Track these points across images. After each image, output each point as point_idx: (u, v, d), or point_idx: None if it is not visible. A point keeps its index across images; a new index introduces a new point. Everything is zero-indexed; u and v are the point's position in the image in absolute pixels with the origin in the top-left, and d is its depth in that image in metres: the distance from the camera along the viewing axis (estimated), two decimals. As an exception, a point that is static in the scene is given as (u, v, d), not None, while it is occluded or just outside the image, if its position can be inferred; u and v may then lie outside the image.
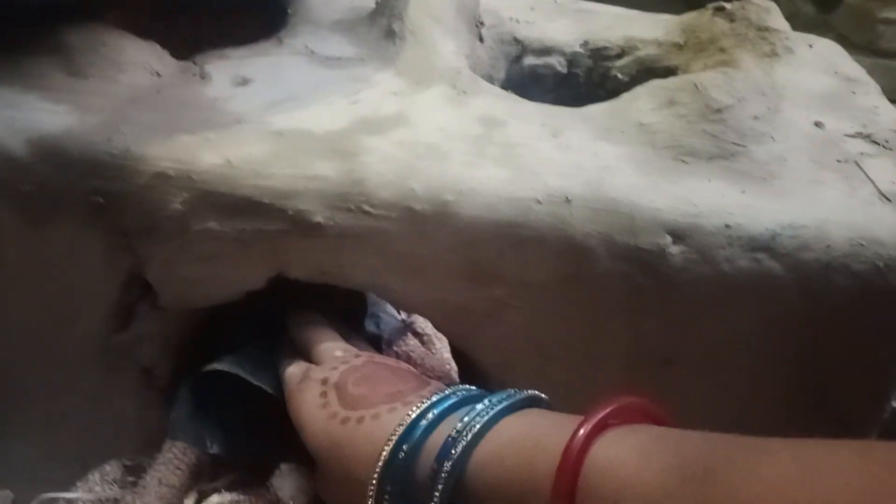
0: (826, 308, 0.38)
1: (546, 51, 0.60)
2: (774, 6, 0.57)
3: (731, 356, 0.39)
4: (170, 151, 0.38)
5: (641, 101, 0.41)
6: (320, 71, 0.45)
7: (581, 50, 0.60)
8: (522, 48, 0.59)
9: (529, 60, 0.60)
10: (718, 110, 0.40)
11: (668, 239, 0.37)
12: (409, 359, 0.48)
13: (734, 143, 0.40)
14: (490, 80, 0.58)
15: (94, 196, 0.38)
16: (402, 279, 0.39)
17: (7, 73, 0.40)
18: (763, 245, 0.37)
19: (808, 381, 0.39)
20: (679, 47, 0.59)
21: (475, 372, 0.42)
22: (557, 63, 0.60)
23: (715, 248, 0.37)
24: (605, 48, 0.60)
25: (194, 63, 0.45)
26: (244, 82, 0.43)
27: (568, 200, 0.37)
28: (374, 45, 0.48)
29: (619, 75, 0.61)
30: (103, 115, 0.39)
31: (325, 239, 0.38)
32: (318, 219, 0.37)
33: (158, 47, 0.44)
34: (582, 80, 0.61)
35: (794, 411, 0.40)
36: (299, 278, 0.39)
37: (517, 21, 0.59)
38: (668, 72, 0.59)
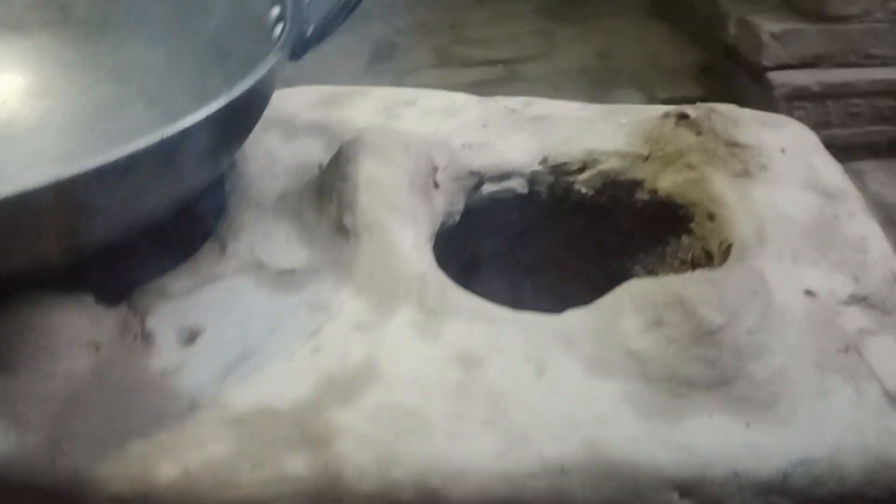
0: (843, 540, 0.36)
1: (505, 176, 0.56)
2: (742, 113, 0.54)
3: None
4: (122, 468, 0.34)
5: (627, 320, 0.38)
6: (274, 300, 0.41)
7: (541, 168, 0.56)
8: (480, 178, 0.55)
9: (489, 188, 0.56)
10: (711, 332, 0.37)
11: (675, 495, 0.35)
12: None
13: (731, 366, 0.37)
14: (449, 216, 0.54)
15: (45, 524, 0.34)
16: (395, 562, 0.36)
17: (-77, 383, 0.36)
18: (775, 488, 0.35)
19: None
20: (644, 159, 0.56)
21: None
22: (518, 185, 0.57)
23: (725, 498, 0.35)
24: (566, 164, 0.57)
25: (132, 311, 0.40)
26: (192, 337, 0.39)
27: (565, 471, 0.34)
28: (326, 242, 0.44)
29: (583, 189, 0.58)
30: (43, 430, 0.35)
31: (307, 536, 0.35)
32: (297, 521, 0.34)
33: (91, 301, 0.39)
34: (544, 197, 0.58)
35: None
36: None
37: (470, 147, 0.55)
38: (635, 184, 0.56)
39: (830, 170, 0.53)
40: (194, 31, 0.51)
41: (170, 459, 0.34)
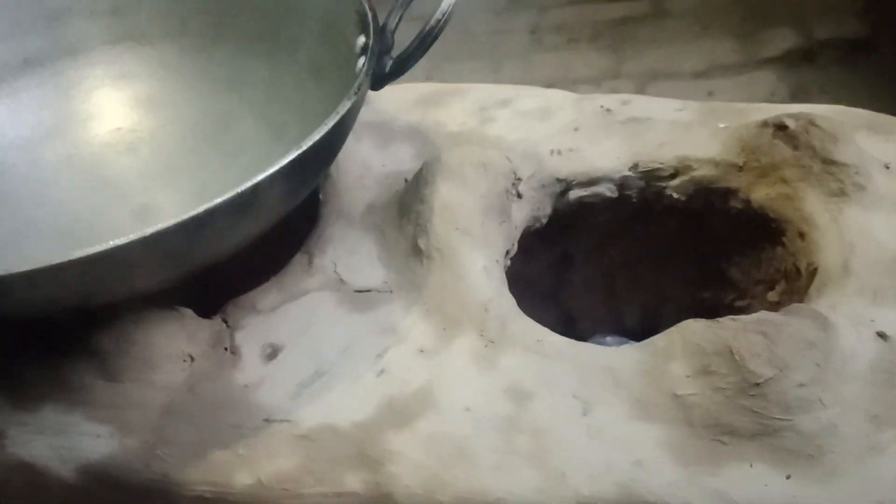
0: None
1: (593, 181, 0.56)
2: (842, 129, 0.51)
3: None
4: (205, 474, 0.39)
5: (676, 364, 0.39)
6: (349, 319, 0.45)
7: (631, 173, 0.56)
8: (567, 184, 0.56)
9: (576, 193, 0.57)
10: (758, 384, 0.37)
11: (708, 539, 0.36)
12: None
13: (778, 419, 0.37)
14: (535, 220, 0.56)
15: (144, 515, 0.40)
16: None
17: (50, 385, 0.42)
18: (810, 539, 0.36)
19: None
20: (738, 168, 0.54)
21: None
22: (607, 190, 0.57)
23: (758, 547, 0.36)
24: (658, 169, 0.56)
25: (225, 323, 0.45)
26: (273, 354, 0.43)
27: (599, 510, 0.36)
28: (402, 262, 0.47)
29: (675, 194, 0.57)
30: (142, 435, 0.40)
31: (363, 545, 0.39)
32: (353, 532, 0.38)
33: (189, 315, 0.44)
34: (635, 200, 0.58)
35: None
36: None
37: (559, 153, 0.56)
38: (728, 193, 0.55)
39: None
40: (294, 48, 0.55)
41: (246, 469, 0.39)
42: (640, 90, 1.51)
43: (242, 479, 0.39)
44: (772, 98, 1.44)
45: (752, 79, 1.48)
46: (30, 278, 0.35)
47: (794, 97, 1.45)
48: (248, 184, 0.37)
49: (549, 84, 1.53)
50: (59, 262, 0.35)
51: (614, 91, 1.51)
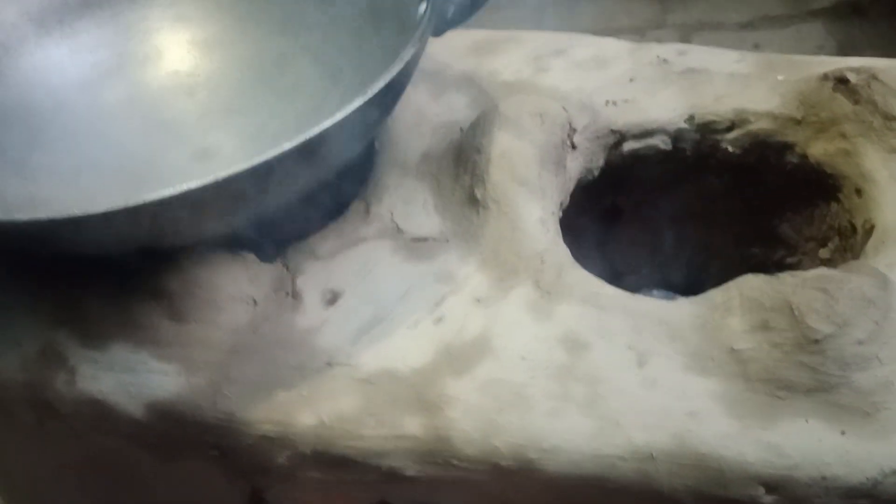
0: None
1: (647, 133, 0.56)
2: (908, 83, 0.50)
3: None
4: (269, 414, 0.40)
5: (734, 319, 0.39)
6: (406, 267, 0.45)
7: (686, 126, 0.56)
8: (621, 136, 0.56)
9: (630, 145, 0.57)
10: (817, 341, 0.37)
11: (761, 490, 0.37)
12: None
13: (835, 375, 0.37)
14: (588, 172, 0.56)
15: (210, 450, 0.42)
16: (495, 513, 0.41)
17: (118, 325, 0.43)
18: (863, 493, 0.36)
19: None
20: (796, 122, 0.54)
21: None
22: (661, 142, 0.57)
23: (810, 498, 0.37)
24: (714, 122, 0.56)
25: (285, 268, 0.46)
26: (333, 299, 0.44)
27: (653, 458, 0.37)
28: (458, 212, 0.47)
29: (730, 148, 0.57)
30: (208, 373, 0.42)
31: (419, 484, 0.40)
32: (410, 472, 0.40)
33: (252, 259, 0.45)
34: (689, 154, 0.58)
35: None
36: (401, 505, 0.42)
37: (614, 104, 0.56)
38: (785, 147, 0.55)
39: None
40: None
41: (308, 409, 0.40)
42: (685, 40, 1.48)
43: (305, 419, 0.40)
44: (819, 52, 1.41)
45: (800, 31, 1.44)
46: (105, 219, 0.36)
47: (843, 51, 1.42)
48: (316, 130, 0.37)
49: (593, 33, 1.50)
50: (134, 204, 0.35)
51: (658, 41, 1.49)
